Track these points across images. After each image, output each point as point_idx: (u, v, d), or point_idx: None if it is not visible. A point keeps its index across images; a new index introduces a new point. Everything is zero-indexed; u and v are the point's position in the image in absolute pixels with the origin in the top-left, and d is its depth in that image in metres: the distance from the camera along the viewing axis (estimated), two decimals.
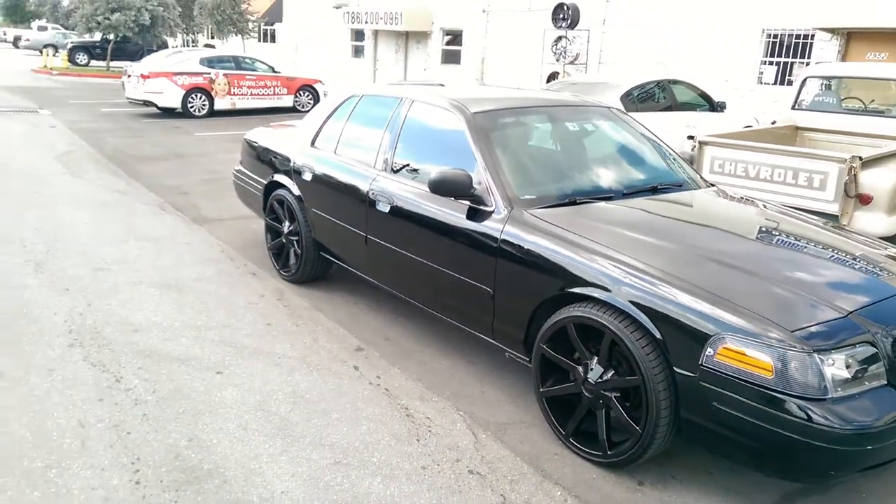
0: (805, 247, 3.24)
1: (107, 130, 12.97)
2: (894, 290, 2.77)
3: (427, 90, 4.28)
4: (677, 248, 3.03)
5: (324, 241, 4.66)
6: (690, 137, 6.35)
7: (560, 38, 14.11)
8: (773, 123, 7.88)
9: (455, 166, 3.50)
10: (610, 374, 2.89)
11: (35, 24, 52.41)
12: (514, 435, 3.20)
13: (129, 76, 15.76)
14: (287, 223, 4.98)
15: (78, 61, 30.81)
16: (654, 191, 3.78)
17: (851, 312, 2.58)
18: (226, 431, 3.07)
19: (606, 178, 3.81)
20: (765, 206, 3.86)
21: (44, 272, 4.99)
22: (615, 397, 2.88)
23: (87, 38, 31.75)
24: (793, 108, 7.60)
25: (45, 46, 33.45)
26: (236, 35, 28.45)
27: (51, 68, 27.33)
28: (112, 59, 28.53)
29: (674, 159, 4.25)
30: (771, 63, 11.88)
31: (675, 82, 9.76)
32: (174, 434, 3.03)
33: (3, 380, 3.43)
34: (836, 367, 2.44)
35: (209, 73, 15.63)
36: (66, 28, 40.61)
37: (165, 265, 5.30)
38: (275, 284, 5.01)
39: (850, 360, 2.46)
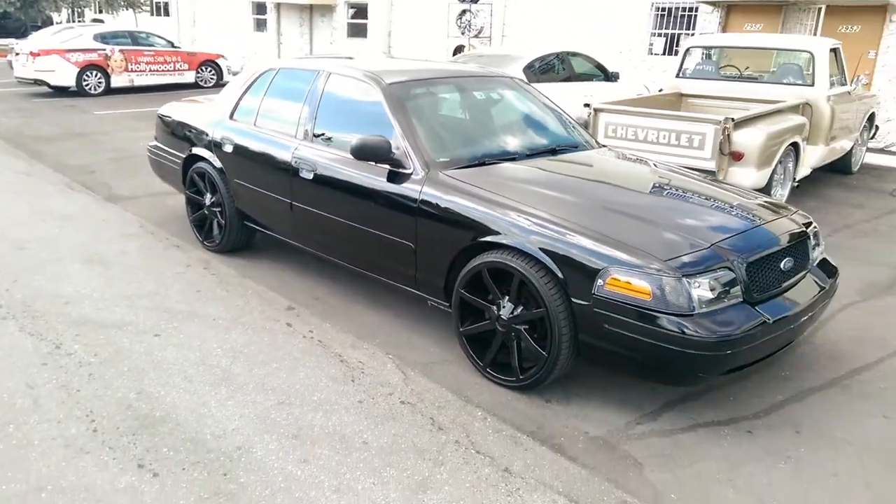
0: (680, 195, 3.76)
1: None
2: (749, 225, 3.32)
3: (342, 63, 4.54)
4: (572, 199, 3.47)
5: (247, 210, 4.88)
6: (586, 105, 6.87)
7: (464, 11, 14.47)
8: (660, 91, 8.54)
9: (373, 133, 3.81)
10: (519, 309, 3.31)
11: None
12: (439, 371, 3.59)
13: (18, 54, 15.02)
14: (209, 195, 5.15)
15: None
16: (553, 152, 4.22)
17: (714, 244, 3.09)
18: (172, 384, 3.31)
19: (511, 141, 4.22)
20: (649, 163, 4.37)
21: None
22: (524, 329, 3.31)
23: None
24: (677, 76, 8.27)
25: None
26: (127, 9, 27.23)
27: None
28: None
29: (570, 124, 4.71)
30: (660, 35, 12.66)
31: (573, 54, 10.30)
32: (122, 389, 3.24)
33: None
34: (701, 288, 2.94)
35: (104, 50, 15.10)
36: None
37: (86, 242, 5.36)
38: (199, 255, 5.18)
39: (713, 283, 2.97)
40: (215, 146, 4.99)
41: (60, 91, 14.86)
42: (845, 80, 7.87)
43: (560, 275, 3.13)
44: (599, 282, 3.01)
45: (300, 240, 4.55)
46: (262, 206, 4.70)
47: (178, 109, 5.64)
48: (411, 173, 3.73)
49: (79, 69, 14.69)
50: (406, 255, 3.78)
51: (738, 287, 3.04)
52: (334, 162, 4.10)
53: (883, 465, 2.92)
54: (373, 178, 3.88)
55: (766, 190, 6.41)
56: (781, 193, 6.87)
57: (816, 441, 3.08)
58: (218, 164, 4.98)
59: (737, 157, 6.11)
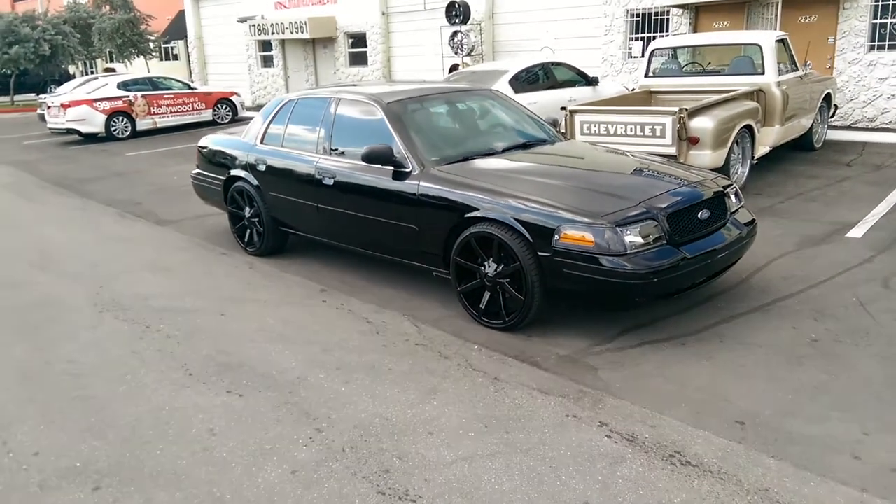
0: (622, 169, 4.75)
1: (38, 160, 13.62)
2: (671, 187, 4.29)
3: (348, 89, 5.60)
4: (534, 178, 4.47)
5: (281, 217, 5.91)
6: (563, 108, 7.87)
7: (455, 33, 15.57)
8: (632, 90, 9.53)
9: (378, 143, 4.84)
10: (501, 267, 4.29)
11: None
12: (445, 323, 4.57)
13: (50, 107, 16.32)
14: (248, 208, 6.19)
15: None
16: (524, 146, 5.23)
17: (642, 202, 4.08)
18: (241, 344, 4.33)
19: (489, 140, 5.24)
20: (602, 149, 5.36)
21: (48, 272, 6.04)
22: (506, 282, 4.29)
23: None
24: (646, 76, 9.26)
25: None
26: (138, 56, 28.69)
27: None
28: (14, 93, 28.35)
29: (540, 124, 5.72)
30: (638, 39, 13.66)
31: (556, 64, 11.33)
32: (205, 349, 4.26)
33: (60, 333, 4.56)
34: (632, 235, 3.91)
35: (128, 96, 16.36)
36: None
37: (149, 256, 6.42)
38: (244, 258, 6.22)
39: (642, 231, 3.95)
40: (251, 167, 6.04)
41: (90, 137, 16.10)
42: (796, 66, 8.81)
43: (528, 235, 4.12)
44: (556, 237, 4.00)
45: (326, 235, 5.58)
46: (294, 212, 5.74)
47: (215, 140, 6.72)
48: (410, 171, 4.74)
49: (106, 116, 15.95)
50: (412, 236, 4.79)
51: (661, 233, 4.01)
52: (349, 169, 5.12)
53: (784, 358, 3.86)
54: (381, 178, 4.90)
55: (724, 168, 7.35)
56: (742, 171, 7.81)
57: (735, 346, 4.03)
58: (254, 181, 6.03)
59: (693, 141, 7.07)
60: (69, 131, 16.00)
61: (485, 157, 4.93)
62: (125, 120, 16.30)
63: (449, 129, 5.34)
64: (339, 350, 4.20)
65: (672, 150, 7.10)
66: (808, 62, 9.05)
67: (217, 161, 6.54)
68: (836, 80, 10.79)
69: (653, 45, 9.34)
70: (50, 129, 16.48)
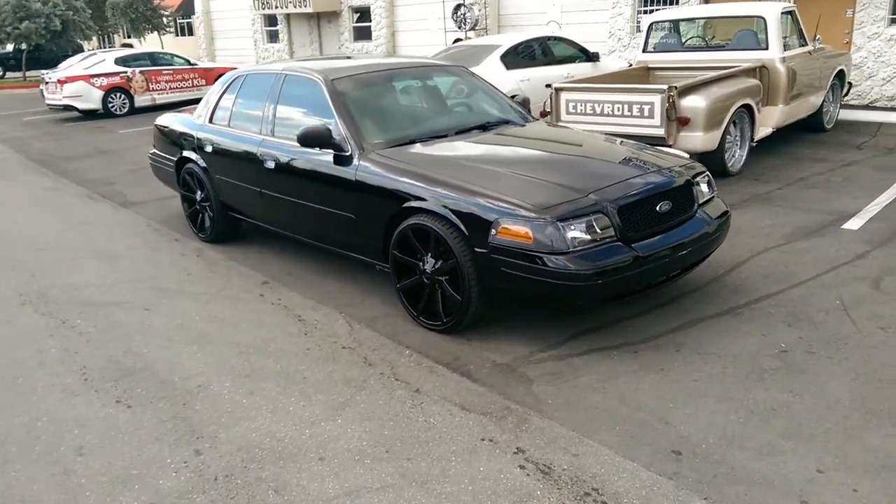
0: (578, 154, 4.28)
1: (31, 137, 13.40)
2: (626, 175, 3.82)
3: (297, 65, 5.17)
4: (479, 165, 4.02)
5: (229, 202, 5.54)
6: (548, 86, 7.37)
7: (459, 6, 15.00)
8: (629, 66, 8.96)
9: (322, 124, 4.42)
10: (439, 263, 3.88)
11: None
12: (382, 323, 4.18)
13: (47, 83, 16.08)
14: (199, 192, 5.83)
15: None
16: (483, 128, 4.77)
17: (591, 192, 3.62)
18: (154, 344, 3.98)
19: (443, 122, 4.79)
20: (568, 132, 4.89)
21: None
22: (445, 280, 3.88)
23: None
24: (643, 51, 8.69)
25: None
26: (152, 32, 28.42)
27: None
28: (28, 69, 28.26)
29: (506, 104, 5.25)
30: (647, 12, 12.98)
31: (556, 39, 10.77)
32: (112, 350, 3.92)
33: None
34: (576, 231, 3.47)
35: (126, 72, 16.05)
36: None
37: (100, 242, 6.11)
38: (194, 245, 5.88)
39: (587, 226, 3.50)
40: (199, 148, 5.67)
41: (89, 114, 15.85)
42: (804, 40, 8.18)
43: (464, 229, 3.69)
44: (493, 231, 3.57)
45: (271, 223, 5.20)
46: (240, 197, 5.36)
47: (170, 119, 6.35)
48: (349, 155, 4.32)
49: (104, 92, 15.67)
50: (351, 226, 4.38)
51: (611, 228, 3.56)
52: (290, 151, 4.71)
53: (743, 372, 3.41)
54: (320, 162, 4.49)
55: (718, 151, 6.84)
56: (739, 154, 7.27)
57: (691, 356, 3.58)
58: (202, 163, 5.66)
59: (683, 122, 6.55)
60: (66, 107, 15.76)
61: (434, 140, 4.49)
62: (123, 96, 16.01)
63: (399, 110, 4.89)
64: (256, 353, 3.84)
65: (661, 132, 6.60)
66: (818, 36, 8.40)
67: (170, 141, 6.18)
68: (852, 55, 10.09)
69: (651, 17, 8.75)
70: (48, 105, 16.25)
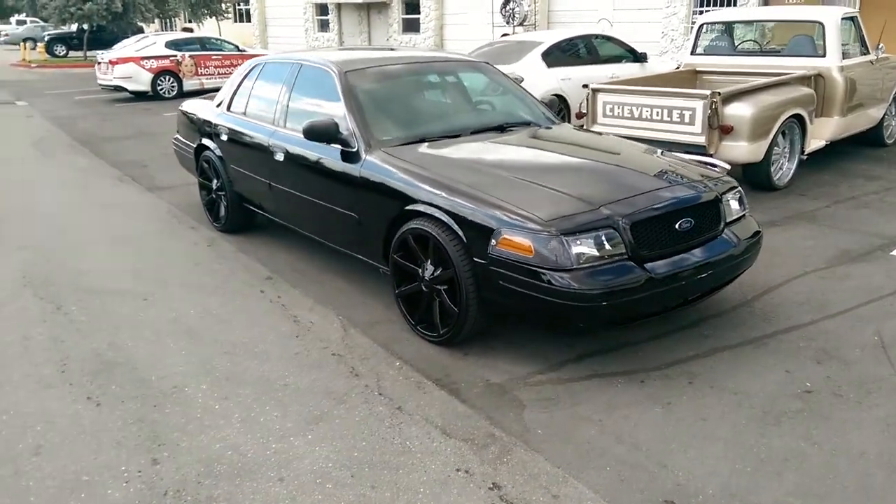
0: (598, 163, 3.97)
1: (79, 116, 13.63)
2: (642, 189, 3.50)
3: (315, 55, 4.98)
4: (489, 170, 3.75)
5: (243, 192, 5.40)
6: (585, 86, 7.03)
7: (507, 1, 14.69)
8: (677, 68, 8.54)
9: (332, 117, 4.23)
10: (438, 271, 3.64)
11: (14, 18, 52.44)
12: (379, 329, 3.97)
13: (100, 63, 16.39)
14: (215, 180, 5.71)
15: (56, 53, 31.23)
16: (500, 129, 4.50)
17: (601, 205, 3.33)
18: (142, 338, 3.85)
19: (458, 120, 4.54)
20: (592, 136, 4.59)
21: (5, 242, 5.73)
22: (444, 290, 3.64)
23: (64, 29, 32.16)
24: (692, 53, 8.26)
25: (25, 40, 33.77)
26: (211, 17, 28.81)
27: (29, 61, 27.85)
28: (89, 49, 28.97)
29: (530, 104, 4.97)
30: (702, 12, 12.46)
31: (601, 38, 10.39)
32: (98, 341, 3.81)
33: None
34: (582, 246, 3.19)
35: (175, 56, 16.23)
36: (44, 21, 40.87)
37: (117, 226, 6.06)
38: (209, 234, 5.77)
39: (595, 241, 3.22)
40: (216, 136, 5.55)
41: (139, 96, 16.08)
42: (866, 48, 7.65)
43: (463, 237, 3.45)
44: (493, 242, 3.31)
45: (280, 217, 5.04)
46: (252, 188, 5.22)
47: (194, 104, 6.25)
48: (356, 151, 4.12)
49: (153, 75, 15.87)
50: (353, 226, 4.18)
51: (621, 245, 3.26)
52: (299, 144, 4.53)
53: (760, 413, 3.08)
54: (326, 157, 4.30)
55: (763, 163, 6.42)
56: (788, 167, 6.82)
57: (703, 390, 3.27)
58: (218, 151, 5.54)
59: (726, 130, 6.16)
60: (116, 88, 16.02)
61: (446, 140, 4.25)
62: (171, 79, 16.19)
63: (413, 106, 4.64)
64: (242, 354, 3.67)
65: (701, 140, 6.22)
66: (881, 45, 7.84)
67: (191, 127, 6.09)
68: None
69: (701, 18, 8.30)
70: (100, 85, 16.56)
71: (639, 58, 10.35)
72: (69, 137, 11.09)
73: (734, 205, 3.85)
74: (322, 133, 4.13)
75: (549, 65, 9.26)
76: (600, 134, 4.69)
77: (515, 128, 4.57)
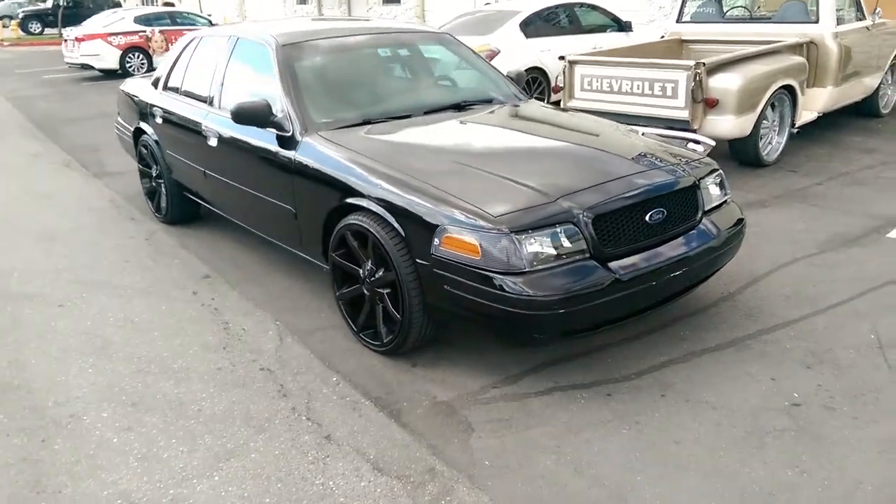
0: (558, 144, 3.52)
1: (42, 97, 13.03)
2: (608, 177, 3.05)
3: (253, 28, 4.48)
4: (435, 156, 3.29)
5: (181, 180, 4.93)
6: (561, 58, 6.54)
7: None
8: (661, 38, 8.04)
9: (266, 97, 3.75)
10: (380, 272, 3.20)
11: None
12: (319, 337, 3.54)
13: (66, 40, 15.72)
14: (154, 167, 5.23)
15: (31, 30, 30.27)
16: (457, 108, 4.03)
17: (560, 197, 2.88)
18: (47, 353, 3.41)
19: (410, 99, 4.05)
20: (560, 116, 4.12)
21: None
22: (386, 294, 3.20)
23: (40, 5, 31.21)
24: (677, 21, 7.76)
25: (1, 17, 32.76)
26: None
27: (2, 39, 26.96)
28: (65, 25, 28.05)
29: (494, 80, 4.48)
30: None
31: (584, 6, 9.84)
32: None
33: None
34: (536, 245, 2.75)
35: (144, 31, 15.56)
36: None
37: (48, 218, 5.58)
38: (149, 227, 5.30)
39: (552, 239, 2.77)
40: (151, 117, 5.06)
41: (108, 74, 15.44)
42: (862, 14, 7.16)
43: (404, 235, 3.00)
44: (436, 241, 2.87)
45: (218, 208, 4.58)
46: (189, 176, 4.75)
47: (133, 84, 5.74)
48: (291, 135, 3.65)
49: (121, 52, 15.22)
50: (290, 219, 3.73)
51: (582, 242, 2.82)
52: (232, 127, 4.05)
53: (741, 431, 2.68)
54: (262, 142, 3.83)
55: (751, 137, 5.97)
56: (777, 141, 6.37)
57: (678, 405, 2.85)
58: (154, 136, 5.05)
59: (711, 103, 5.69)
60: (83, 66, 15.37)
61: (395, 120, 3.78)
62: (141, 56, 15.54)
63: (359, 83, 4.15)
64: (157, 372, 3.23)
65: (685, 115, 5.76)
66: (878, 10, 7.34)
67: (131, 108, 5.58)
68: None
69: None
70: (67, 63, 15.90)
71: (623, 27, 9.83)
72: (25, 119, 10.53)
73: (714, 190, 3.41)
74: (252, 116, 3.65)
75: (528, 35, 8.73)
76: (569, 111, 4.22)
77: (475, 106, 4.10)
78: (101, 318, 3.79)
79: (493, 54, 8.19)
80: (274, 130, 3.73)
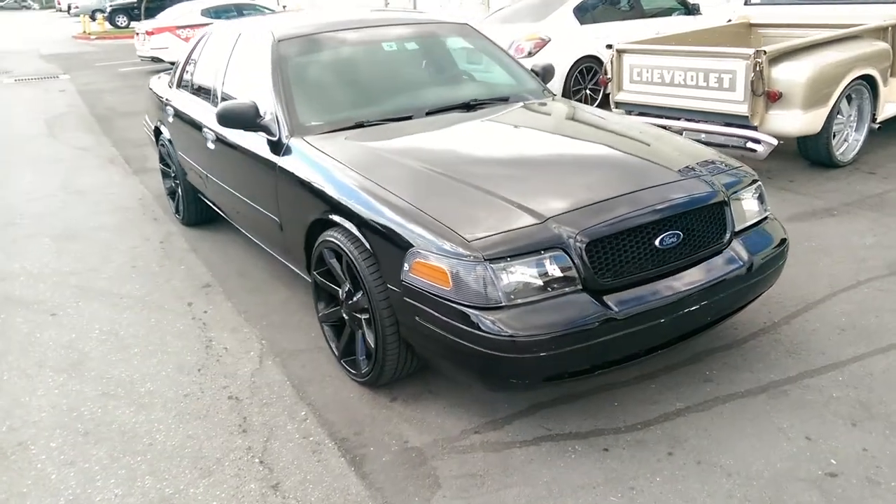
0: (566, 153, 3.07)
1: (111, 90, 13.36)
2: (611, 193, 2.60)
3: (259, 20, 4.23)
4: (422, 166, 2.90)
5: (193, 182, 4.74)
6: (608, 46, 6.01)
7: None
8: (728, 21, 7.33)
9: (249, 100, 3.48)
10: (358, 295, 2.87)
11: None
12: (302, 360, 3.26)
13: (138, 34, 16.09)
14: (172, 167, 5.08)
15: (118, 24, 31.47)
16: (467, 107, 3.64)
17: (549, 218, 2.46)
18: (19, 369, 3.26)
19: (412, 98, 3.68)
20: (579, 114, 3.67)
21: None
22: (364, 320, 2.88)
23: None
24: (746, 3, 7.05)
25: (94, 11, 34.24)
26: None
27: (89, 33, 28.12)
28: (147, 18, 29.05)
29: (516, 75, 4.06)
30: None
31: None
32: None
33: None
34: (517, 274, 2.36)
35: (211, 24, 15.72)
36: None
37: (75, 216, 5.53)
38: (168, 228, 5.16)
39: (539, 268, 2.37)
40: (165, 116, 4.90)
41: None
42: None
43: (376, 256, 2.67)
44: (406, 265, 2.52)
45: (220, 211, 4.37)
46: (196, 177, 4.55)
47: (158, 81, 5.62)
48: (278, 140, 3.36)
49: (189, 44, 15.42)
50: (276, 230, 3.46)
51: (572, 270, 2.40)
52: (225, 129, 3.80)
53: None
54: (252, 146, 3.56)
55: (822, 135, 5.31)
56: (854, 139, 5.66)
57: (686, 468, 2.41)
58: (168, 135, 4.89)
59: (773, 97, 5.07)
60: (153, 59, 15.70)
61: (392, 122, 3.43)
62: None
63: (358, 82, 3.79)
64: (122, 396, 3.02)
65: (743, 109, 5.16)
66: None
67: (154, 106, 5.45)
68: None
69: None
70: (139, 56, 16.29)
71: (691, 10, 9.12)
72: (88, 113, 10.76)
73: (750, 205, 2.91)
74: (237, 118, 3.38)
75: (583, 21, 8.20)
76: (592, 112, 3.74)
77: (487, 105, 3.70)
78: (88, 329, 3.63)
79: (543, 43, 7.72)
80: (264, 135, 3.45)
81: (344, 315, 3.00)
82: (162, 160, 5.28)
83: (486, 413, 2.77)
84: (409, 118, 3.48)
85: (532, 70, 4.17)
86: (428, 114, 3.53)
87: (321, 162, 3.06)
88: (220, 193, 4.11)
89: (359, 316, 2.89)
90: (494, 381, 2.49)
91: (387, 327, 2.69)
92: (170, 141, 4.87)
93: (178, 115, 4.61)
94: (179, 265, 4.46)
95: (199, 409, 2.90)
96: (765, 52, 4.99)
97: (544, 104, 3.80)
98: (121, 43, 25.57)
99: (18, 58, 19.90)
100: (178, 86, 4.83)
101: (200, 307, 3.85)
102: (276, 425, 2.77)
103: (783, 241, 2.95)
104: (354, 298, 2.87)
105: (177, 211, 5.22)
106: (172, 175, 5.10)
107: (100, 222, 5.36)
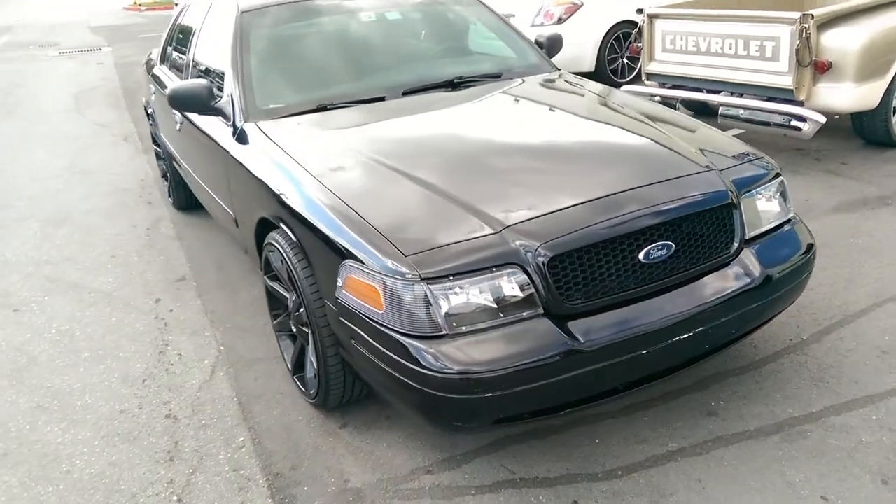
0: (539, 144, 2.59)
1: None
2: (588, 195, 2.14)
3: None
4: (380, 158, 2.49)
5: (176, 164, 4.45)
6: (639, 11, 5.42)
7: None
8: None
9: (202, 80, 3.14)
10: (302, 308, 2.51)
11: None
12: (256, 371, 2.93)
13: (176, 4, 15.97)
14: (162, 147, 4.81)
15: None
16: (450, 86, 3.20)
17: (506, 227, 2.03)
18: None
19: (387, 76, 3.24)
20: (572, 93, 3.18)
21: None
22: (311, 335, 2.52)
23: None
24: None
25: None
26: None
27: (140, 4, 28.31)
28: None
29: (515, 47, 3.59)
30: None
31: None
32: None
33: None
34: (464, 297, 1.95)
35: None
36: None
37: (70, 199, 5.32)
38: (159, 213, 4.90)
39: (491, 289, 1.96)
40: (149, 94, 4.61)
41: None
42: None
43: (314, 267, 2.30)
44: (339, 281, 2.14)
45: (197, 197, 4.07)
46: (172, 162, 4.26)
47: (150, 55, 5.32)
48: (232, 124, 3.01)
49: None
50: (234, 226, 3.12)
51: (531, 290, 1.98)
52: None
53: None
54: (211, 131, 3.22)
55: (879, 112, 4.67)
56: None
57: None
58: (155, 114, 4.60)
59: (822, 68, 4.44)
60: None
61: (359, 104, 3.02)
62: None
63: (328, 58, 3.36)
64: (56, 410, 2.76)
65: (787, 82, 4.55)
66: None
67: (146, 82, 5.18)
68: None
69: None
70: None
71: None
72: (119, 87, 10.65)
73: (768, 205, 2.41)
74: (187, 100, 3.02)
75: None
76: (596, 92, 3.23)
77: (475, 83, 3.25)
78: (45, 329, 3.39)
79: (575, 8, 7.12)
80: (221, 118, 3.10)
81: (292, 327, 2.65)
82: (153, 140, 5.02)
83: (445, 447, 2.39)
84: (382, 99, 3.07)
85: (536, 42, 3.69)
86: (405, 94, 3.11)
87: (267, 151, 2.69)
88: (188, 179, 3.80)
89: (305, 330, 2.53)
90: (436, 421, 2.09)
91: (327, 347, 2.33)
92: (155, 120, 4.58)
93: (157, 94, 4.31)
94: (159, 255, 4.18)
95: (130, 430, 2.61)
96: (812, 16, 4.35)
97: (539, 82, 3.32)
98: (169, 14, 25.73)
99: (68, 30, 20.11)
100: (161, 61, 4.52)
101: (167, 305, 3.56)
102: (207, 453, 2.46)
103: (809, 247, 2.44)
104: (299, 311, 2.51)
105: (169, 194, 4.96)
106: (163, 156, 4.82)
107: (93, 205, 5.14)
